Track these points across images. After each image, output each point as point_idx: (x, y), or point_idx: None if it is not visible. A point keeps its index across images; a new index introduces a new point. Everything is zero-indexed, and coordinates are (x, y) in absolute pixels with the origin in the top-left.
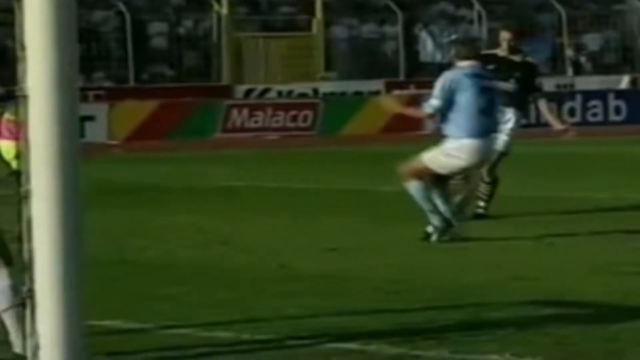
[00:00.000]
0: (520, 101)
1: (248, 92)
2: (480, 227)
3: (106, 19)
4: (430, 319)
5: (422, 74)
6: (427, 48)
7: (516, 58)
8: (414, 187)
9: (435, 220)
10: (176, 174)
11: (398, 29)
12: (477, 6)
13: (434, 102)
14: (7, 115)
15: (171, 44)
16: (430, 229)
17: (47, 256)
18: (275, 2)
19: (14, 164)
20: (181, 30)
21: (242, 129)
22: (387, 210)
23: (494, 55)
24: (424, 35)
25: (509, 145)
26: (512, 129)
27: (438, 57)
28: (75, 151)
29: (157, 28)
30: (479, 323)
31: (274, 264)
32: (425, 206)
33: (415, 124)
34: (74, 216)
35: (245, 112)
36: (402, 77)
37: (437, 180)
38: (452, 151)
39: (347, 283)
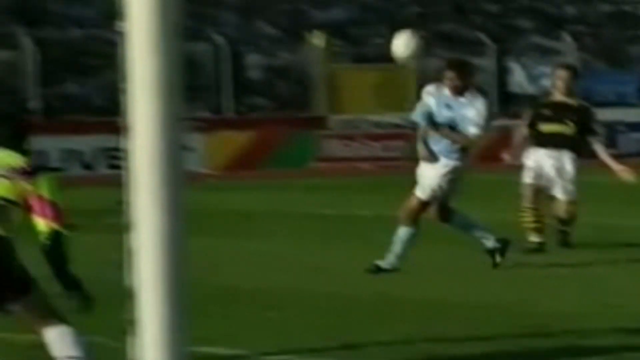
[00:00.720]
0: (577, 144)
1: (342, 122)
2: (568, 255)
3: (204, 50)
4: (522, 346)
5: (513, 105)
6: (518, 79)
7: (572, 101)
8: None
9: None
10: (271, 202)
11: (489, 60)
12: (567, 38)
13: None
14: (39, 191)
15: (267, 75)
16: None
17: (151, 285)
18: (368, 34)
19: (42, 238)
20: (277, 62)
21: (336, 159)
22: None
23: (550, 102)
24: (514, 66)
25: (574, 193)
26: (574, 175)
27: (529, 88)
28: (179, 181)
29: (253, 60)
30: (571, 350)
31: (367, 290)
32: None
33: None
34: (178, 245)
35: (338, 141)
36: (493, 108)
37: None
38: None
39: (440, 309)
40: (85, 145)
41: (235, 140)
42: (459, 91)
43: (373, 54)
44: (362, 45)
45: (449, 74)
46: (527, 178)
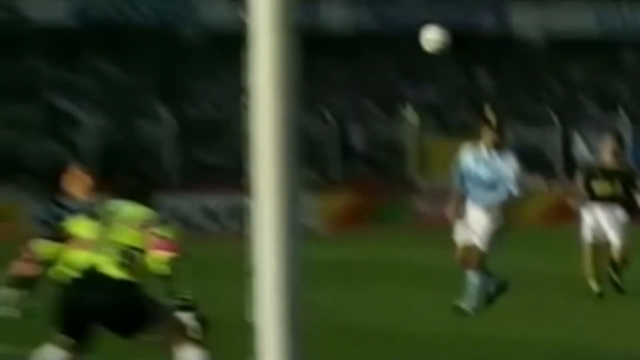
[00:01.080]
0: (625, 201)
1: (431, 186)
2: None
3: (312, 122)
4: None
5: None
6: (580, 148)
7: (617, 166)
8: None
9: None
10: (374, 254)
11: (555, 131)
12: (622, 113)
13: None
14: (160, 232)
15: (368, 144)
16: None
17: (271, 323)
18: (452, 109)
19: (163, 270)
20: (376, 133)
21: (427, 217)
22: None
23: (601, 166)
24: (576, 137)
25: (626, 239)
26: (625, 223)
27: (589, 155)
28: (296, 234)
29: (356, 131)
30: None
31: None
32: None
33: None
34: (296, 292)
35: (428, 202)
36: (560, 176)
37: None
38: None
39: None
40: (215, 203)
41: (342, 200)
42: (496, 146)
43: (457, 127)
44: (447, 118)
45: (488, 130)
46: (587, 236)
